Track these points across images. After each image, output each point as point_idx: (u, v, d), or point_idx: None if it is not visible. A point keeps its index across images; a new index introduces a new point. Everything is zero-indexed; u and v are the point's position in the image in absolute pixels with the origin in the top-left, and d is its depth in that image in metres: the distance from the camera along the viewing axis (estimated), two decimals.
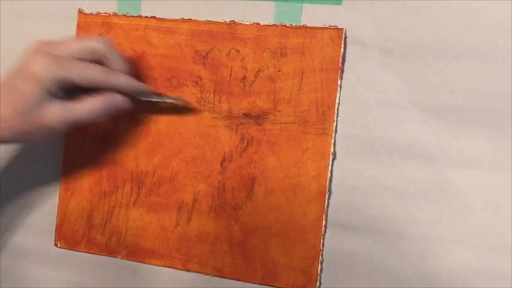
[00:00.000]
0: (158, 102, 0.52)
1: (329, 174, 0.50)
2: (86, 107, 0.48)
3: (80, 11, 0.56)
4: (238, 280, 0.52)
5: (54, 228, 0.57)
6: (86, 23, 0.56)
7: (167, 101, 0.52)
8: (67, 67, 0.46)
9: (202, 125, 0.53)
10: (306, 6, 0.50)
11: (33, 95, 0.45)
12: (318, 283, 0.50)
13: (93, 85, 0.47)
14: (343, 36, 0.49)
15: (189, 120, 0.53)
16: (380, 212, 0.49)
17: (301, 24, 0.50)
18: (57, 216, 0.57)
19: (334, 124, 0.50)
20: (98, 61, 0.48)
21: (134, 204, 0.55)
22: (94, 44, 0.48)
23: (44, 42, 0.48)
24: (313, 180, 0.50)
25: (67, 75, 0.46)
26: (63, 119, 0.47)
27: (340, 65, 0.49)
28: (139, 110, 0.54)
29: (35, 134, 0.47)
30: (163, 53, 0.54)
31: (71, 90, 0.47)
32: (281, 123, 0.51)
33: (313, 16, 0.50)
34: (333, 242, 0.50)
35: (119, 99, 0.49)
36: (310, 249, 0.50)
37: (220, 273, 0.53)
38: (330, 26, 0.49)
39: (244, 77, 0.52)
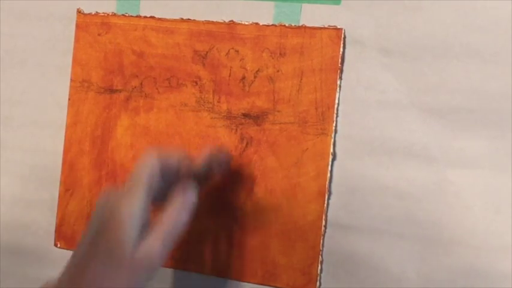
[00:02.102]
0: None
1: (329, 175, 0.49)
2: (168, 224, 0.44)
3: (79, 11, 0.56)
4: (238, 280, 0.52)
5: (54, 228, 0.57)
6: (85, 23, 0.56)
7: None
8: (136, 188, 0.43)
9: (202, 125, 0.53)
10: (305, 6, 0.50)
11: (126, 244, 0.42)
12: (318, 283, 0.50)
13: (158, 173, 0.45)
14: (343, 36, 0.49)
15: (188, 120, 0.53)
16: (380, 212, 0.49)
17: (300, 24, 0.50)
18: (57, 216, 0.57)
19: (334, 124, 0.49)
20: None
21: None
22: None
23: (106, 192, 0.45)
24: (313, 181, 0.50)
25: (145, 192, 0.43)
26: (160, 254, 0.43)
27: (340, 65, 0.49)
28: (138, 109, 0.54)
29: (143, 282, 0.43)
30: (162, 53, 0.54)
31: None
32: (280, 123, 0.51)
33: (313, 16, 0.50)
34: (333, 242, 0.50)
35: (184, 197, 0.45)
36: (310, 249, 0.50)
37: (220, 273, 0.53)
38: (329, 26, 0.49)
39: (244, 77, 0.52)
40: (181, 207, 0.45)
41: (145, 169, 0.44)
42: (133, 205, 0.42)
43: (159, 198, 0.45)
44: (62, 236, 0.57)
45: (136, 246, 0.42)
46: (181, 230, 0.44)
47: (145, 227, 0.43)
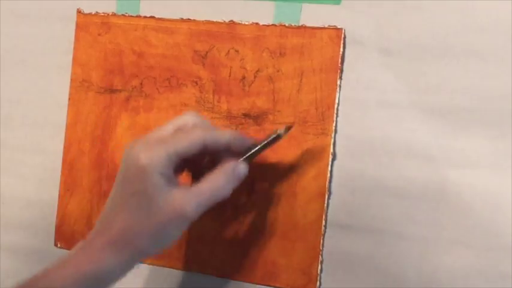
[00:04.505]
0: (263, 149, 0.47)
1: (329, 174, 0.49)
2: (209, 183, 0.43)
3: (79, 11, 0.56)
4: (238, 280, 0.52)
5: (54, 228, 0.57)
6: (85, 22, 0.56)
7: (271, 139, 0.47)
8: (170, 142, 0.43)
9: None
10: (305, 6, 0.50)
11: (151, 189, 0.41)
12: (318, 283, 0.50)
13: (200, 147, 0.43)
14: (342, 36, 0.49)
15: None
16: (380, 212, 0.49)
17: (300, 24, 0.50)
18: (57, 216, 0.57)
19: (334, 124, 0.49)
20: None
21: None
22: (184, 118, 0.45)
23: (135, 139, 0.44)
24: (313, 180, 0.50)
25: (174, 149, 0.42)
26: (192, 201, 0.42)
27: (340, 65, 0.49)
28: (138, 109, 0.54)
29: (168, 230, 0.43)
30: (162, 53, 0.54)
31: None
32: (280, 123, 0.51)
33: (312, 16, 0.50)
34: (333, 242, 0.50)
35: (236, 165, 0.44)
36: (310, 249, 0.50)
37: (220, 273, 0.53)
38: (329, 26, 0.49)
39: (244, 77, 0.51)
40: (228, 173, 0.44)
41: (177, 122, 0.45)
42: (154, 154, 0.42)
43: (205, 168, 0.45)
44: (62, 236, 0.57)
45: (165, 196, 0.42)
46: (221, 196, 0.44)
47: (172, 179, 0.42)
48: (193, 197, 0.42)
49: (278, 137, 0.46)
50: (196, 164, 0.46)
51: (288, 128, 0.47)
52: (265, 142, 0.46)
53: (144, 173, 0.41)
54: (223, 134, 0.45)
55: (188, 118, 0.45)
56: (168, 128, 0.45)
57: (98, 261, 0.42)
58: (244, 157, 0.45)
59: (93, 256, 0.42)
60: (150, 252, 0.44)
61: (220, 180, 0.44)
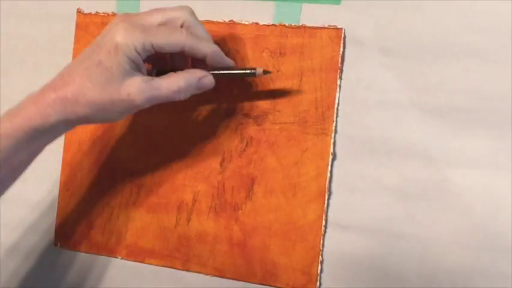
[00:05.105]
0: (236, 76, 0.49)
1: (329, 174, 0.49)
2: (169, 83, 0.45)
3: (79, 11, 0.56)
4: (238, 280, 0.52)
5: (54, 228, 0.57)
6: (85, 22, 0.56)
7: (246, 72, 0.49)
8: (151, 33, 0.44)
9: (202, 125, 0.53)
10: (305, 6, 0.50)
11: (116, 66, 0.43)
12: (318, 283, 0.50)
13: (178, 49, 0.45)
14: (342, 36, 0.49)
15: (188, 120, 0.53)
16: (380, 212, 0.49)
17: (300, 24, 0.50)
18: (57, 216, 0.57)
19: (334, 124, 0.49)
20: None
21: (134, 204, 0.55)
22: (176, 13, 0.46)
23: (124, 14, 0.45)
24: (312, 181, 0.50)
25: (152, 41, 0.43)
26: (145, 93, 0.44)
27: (340, 65, 0.49)
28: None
29: (114, 109, 0.44)
30: None
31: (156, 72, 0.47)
32: (280, 123, 0.51)
33: (312, 16, 0.50)
34: (333, 242, 0.50)
35: (203, 77, 0.46)
36: (310, 249, 0.50)
37: (220, 273, 0.53)
38: (329, 25, 0.49)
39: (244, 77, 0.51)
40: (192, 79, 0.46)
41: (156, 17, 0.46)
42: (130, 38, 0.43)
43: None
44: (62, 236, 0.57)
45: (125, 79, 0.44)
46: (176, 98, 0.45)
47: (138, 66, 0.44)
48: (148, 90, 0.44)
49: (253, 74, 0.48)
50: (175, 64, 0.49)
51: (265, 72, 0.48)
52: (240, 71, 0.49)
53: (116, 50, 0.43)
54: (205, 47, 0.46)
55: (181, 16, 0.46)
56: (157, 17, 0.46)
57: (46, 115, 0.44)
58: (214, 72, 0.47)
59: (43, 109, 0.44)
60: (91, 121, 0.46)
61: (181, 83, 0.45)
